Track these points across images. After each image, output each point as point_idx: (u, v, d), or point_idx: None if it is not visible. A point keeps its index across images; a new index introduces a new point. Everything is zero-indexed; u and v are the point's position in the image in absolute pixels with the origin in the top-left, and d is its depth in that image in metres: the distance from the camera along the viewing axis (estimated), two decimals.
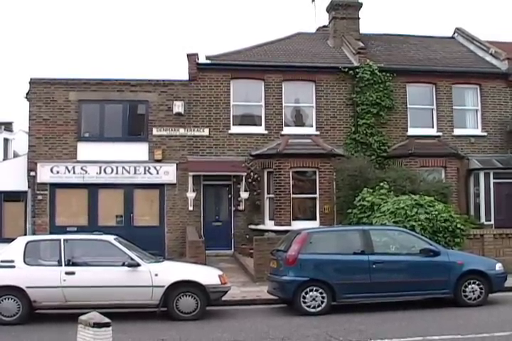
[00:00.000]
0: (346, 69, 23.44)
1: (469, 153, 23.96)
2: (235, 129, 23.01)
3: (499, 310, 12.65)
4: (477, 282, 13.24)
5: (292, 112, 24.00)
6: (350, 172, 20.38)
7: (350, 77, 23.51)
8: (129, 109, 23.03)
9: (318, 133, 23.29)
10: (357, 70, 23.42)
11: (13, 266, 12.11)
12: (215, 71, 23.16)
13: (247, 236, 21.76)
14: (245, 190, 22.28)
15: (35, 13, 76.70)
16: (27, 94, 22.58)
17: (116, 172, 22.22)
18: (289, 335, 10.41)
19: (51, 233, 20.23)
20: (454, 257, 13.59)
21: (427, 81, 24.22)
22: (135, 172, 22.31)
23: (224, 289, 12.81)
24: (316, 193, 21.84)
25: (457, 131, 24.23)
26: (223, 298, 13.04)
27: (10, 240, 13.74)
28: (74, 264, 12.23)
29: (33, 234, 20.88)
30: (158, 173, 22.42)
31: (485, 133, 24.43)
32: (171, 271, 12.51)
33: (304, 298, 12.67)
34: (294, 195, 21.80)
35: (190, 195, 21.99)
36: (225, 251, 22.30)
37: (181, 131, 22.71)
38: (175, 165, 22.51)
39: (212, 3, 73.92)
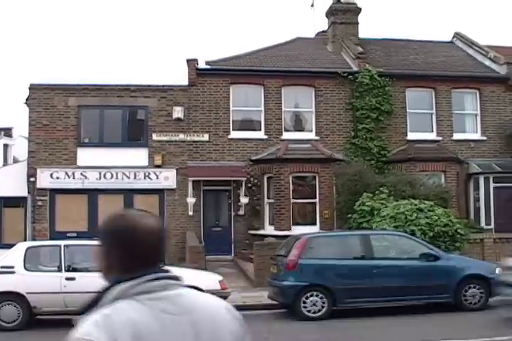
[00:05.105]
0: (346, 74, 23.45)
1: (469, 158, 23.92)
2: (234, 134, 23.01)
3: (499, 315, 12.63)
4: (477, 286, 13.24)
5: (292, 117, 24.02)
6: (350, 177, 20.37)
7: (350, 82, 23.52)
8: (128, 115, 23.05)
9: (317, 138, 23.28)
10: (356, 75, 23.43)
11: (13, 272, 12.10)
12: (214, 76, 23.18)
13: (247, 242, 21.74)
14: (245, 195, 22.26)
15: (35, 18, 76.84)
16: (27, 99, 22.58)
17: (116, 178, 22.21)
18: (289, 340, 10.41)
19: (51, 239, 20.19)
20: (454, 262, 13.62)
21: (426, 85, 24.23)
22: (135, 178, 22.30)
23: (224, 294, 12.76)
24: (315, 198, 21.83)
25: (457, 136, 24.22)
26: None
27: (10, 246, 13.75)
28: (74, 270, 12.23)
29: (33, 239, 20.83)
30: (158, 179, 22.42)
31: (484, 138, 24.42)
32: None
33: (305, 302, 12.66)
34: (294, 200, 21.78)
35: (190, 200, 21.99)
36: (225, 256, 22.27)
37: (181, 136, 22.71)
38: (175, 170, 22.51)
39: (211, 8, 74.09)
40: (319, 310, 12.68)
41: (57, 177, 22.01)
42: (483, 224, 22.91)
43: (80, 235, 20.14)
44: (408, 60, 25.53)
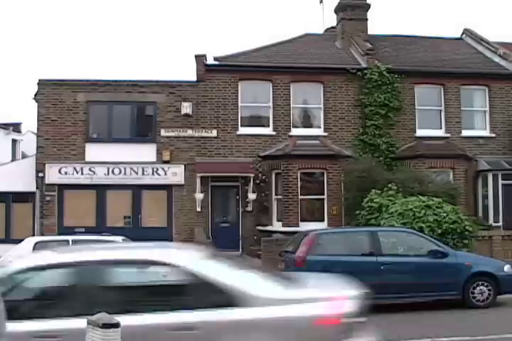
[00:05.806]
0: (354, 71, 23.42)
1: (478, 155, 23.85)
2: (242, 130, 23.01)
3: (507, 312, 12.61)
4: (485, 283, 13.17)
5: (300, 113, 23.99)
6: (358, 174, 20.36)
7: (358, 78, 23.48)
8: (137, 110, 23.09)
9: (326, 134, 23.26)
10: (365, 71, 23.38)
11: None
12: (223, 72, 23.18)
13: (255, 238, 21.76)
14: (253, 191, 22.27)
15: (44, 14, 76.99)
16: (35, 95, 22.64)
17: (125, 173, 22.25)
18: None
19: (59, 234, 20.29)
20: (462, 259, 13.55)
21: (435, 82, 24.16)
22: (143, 174, 22.35)
23: None
24: (324, 194, 21.81)
25: (465, 133, 24.15)
26: None
27: (18, 241, 13.83)
28: None
29: (41, 234, 20.91)
30: (166, 174, 22.45)
31: (493, 135, 24.33)
32: None
33: None
34: (302, 196, 21.77)
35: (198, 196, 22.02)
36: (232, 252, 22.22)
37: (189, 132, 22.73)
38: (183, 166, 22.53)
39: (220, 4, 74.02)
40: None
41: (66, 173, 22.08)
42: (491, 221, 22.88)
43: (88, 230, 20.29)
44: (417, 56, 25.43)
